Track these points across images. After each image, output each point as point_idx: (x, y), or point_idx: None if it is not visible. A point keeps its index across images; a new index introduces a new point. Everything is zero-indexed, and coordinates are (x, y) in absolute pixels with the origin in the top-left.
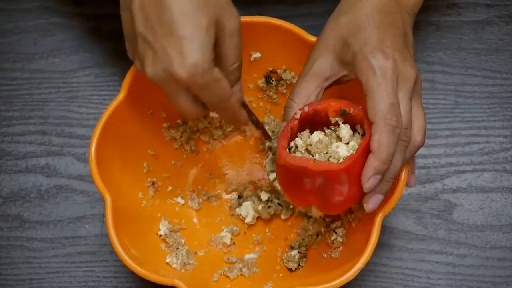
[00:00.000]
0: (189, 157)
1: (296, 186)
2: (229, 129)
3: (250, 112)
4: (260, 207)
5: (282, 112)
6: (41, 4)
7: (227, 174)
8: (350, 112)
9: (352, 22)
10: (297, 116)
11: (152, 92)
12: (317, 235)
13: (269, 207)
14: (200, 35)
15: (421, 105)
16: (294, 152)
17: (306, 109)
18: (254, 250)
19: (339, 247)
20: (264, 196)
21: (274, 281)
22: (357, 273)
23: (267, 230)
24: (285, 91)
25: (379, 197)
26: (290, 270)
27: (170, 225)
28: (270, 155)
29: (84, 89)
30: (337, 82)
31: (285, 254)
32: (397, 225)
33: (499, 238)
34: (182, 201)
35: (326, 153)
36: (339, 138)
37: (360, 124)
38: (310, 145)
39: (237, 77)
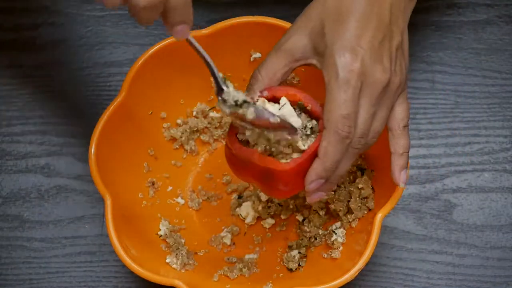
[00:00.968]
0: (189, 157)
1: (241, 168)
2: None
3: (197, 48)
4: (260, 207)
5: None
6: (41, 4)
7: (227, 174)
8: (308, 107)
9: (335, 7)
10: (255, 100)
11: (152, 92)
12: (315, 238)
13: (269, 207)
14: None
15: (389, 108)
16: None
17: (265, 93)
18: (254, 250)
19: (339, 248)
20: (264, 196)
21: (274, 281)
22: (357, 273)
23: (267, 230)
24: None
25: (322, 194)
26: (290, 270)
27: (170, 225)
28: (220, 98)
29: (84, 89)
30: (306, 65)
31: (285, 254)
32: (397, 225)
33: (499, 238)
34: (182, 201)
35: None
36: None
37: (315, 124)
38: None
39: (182, 16)
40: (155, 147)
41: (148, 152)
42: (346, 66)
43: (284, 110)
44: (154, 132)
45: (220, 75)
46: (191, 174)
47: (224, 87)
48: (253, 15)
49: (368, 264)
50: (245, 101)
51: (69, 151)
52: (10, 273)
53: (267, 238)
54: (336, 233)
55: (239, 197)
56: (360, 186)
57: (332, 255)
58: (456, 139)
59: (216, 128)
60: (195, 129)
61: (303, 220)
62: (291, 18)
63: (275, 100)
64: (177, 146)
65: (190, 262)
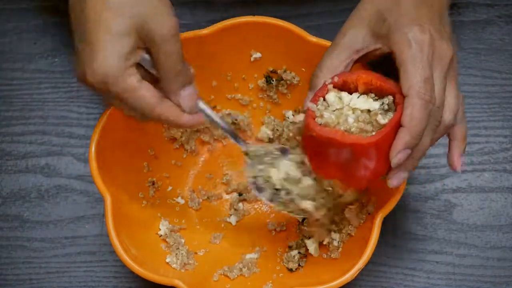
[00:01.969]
0: (189, 157)
1: (322, 157)
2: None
3: (214, 116)
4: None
5: (309, 82)
6: (41, 4)
7: (227, 174)
8: (382, 85)
9: None
10: (328, 85)
11: None
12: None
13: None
14: (109, 42)
15: (455, 85)
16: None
17: (336, 79)
18: (254, 250)
19: (338, 248)
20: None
21: (274, 281)
22: (357, 273)
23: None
24: (285, 91)
25: (404, 174)
26: (290, 270)
27: (170, 225)
28: (248, 160)
29: (84, 89)
30: (368, 56)
31: (285, 254)
32: (397, 225)
33: (499, 238)
34: (182, 201)
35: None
36: (368, 111)
37: (391, 99)
38: (338, 109)
39: (181, 82)
40: (155, 146)
41: (148, 152)
42: (417, 37)
43: (359, 100)
44: (154, 131)
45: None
46: (191, 174)
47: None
48: (253, 15)
49: (368, 264)
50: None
51: (69, 151)
52: (10, 273)
53: (267, 238)
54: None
55: (240, 194)
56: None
57: (331, 255)
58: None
59: (216, 128)
60: (196, 129)
61: (303, 220)
62: (291, 18)
63: (346, 86)
64: (177, 146)
65: (190, 262)
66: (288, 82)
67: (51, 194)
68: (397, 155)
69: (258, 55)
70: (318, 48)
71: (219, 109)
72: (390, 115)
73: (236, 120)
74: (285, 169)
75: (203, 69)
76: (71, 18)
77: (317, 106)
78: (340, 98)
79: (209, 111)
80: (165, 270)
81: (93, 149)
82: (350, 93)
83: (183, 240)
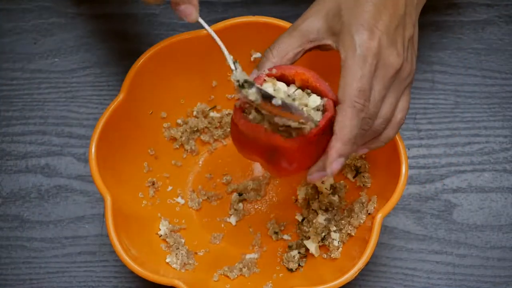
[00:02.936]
0: (189, 157)
1: (246, 145)
2: (229, 129)
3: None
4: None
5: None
6: (41, 4)
7: (227, 174)
8: (317, 86)
9: None
10: (263, 76)
11: (152, 92)
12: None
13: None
14: None
15: (398, 96)
16: (249, 107)
17: (274, 71)
18: (254, 250)
19: (338, 248)
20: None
21: (274, 281)
22: (357, 273)
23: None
24: None
25: (322, 173)
26: (290, 270)
27: (170, 225)
28: (239, 68)
29: (84, 89)
30: (319, 48)
31: (285, 254)
32: (397, 225)
33: (499, 238)
34: (182, 201)
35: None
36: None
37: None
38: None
39: None
40: (155, 147)
41: (148, 152)
42: (364, 43)
43: (297, 93)
44: (154, 132)
45: (231, 57)
46: (191, 174)
47: (233, 68)
48: (253, 15)
49: (368, 264)
50: (246, 81)
51: (69, 151)
52: (10, 273)
53: (267, 238)
54: (335, 232)
55: (240, 194)
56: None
57: (331, 255)
58: (456, 139)
59: (216, 128)
60: (195, 129)
61: (303, 220)
62: (291, 18)
63: (284, 79)
64: (177, 146)
65: (190, 262)
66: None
67: (51, 194)
68: (332, 165)
69: (258, 55)
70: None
71: (219, 109)
72: (320, 117)
73: None
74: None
75: (203, 69)
76: None
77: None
78: (275, 90)
79: (206, 26)
80: (165, 270)
81: (93, 149)
82: (288, 85)
83: (183, 240)
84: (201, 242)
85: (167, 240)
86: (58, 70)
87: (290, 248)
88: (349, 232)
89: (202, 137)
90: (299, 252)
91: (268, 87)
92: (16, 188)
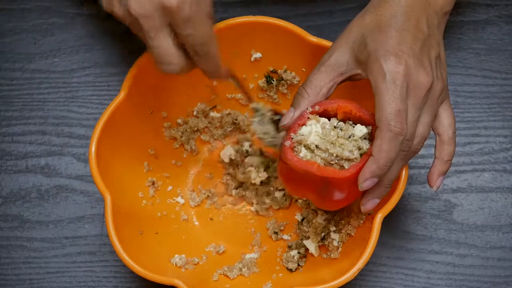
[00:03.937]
0: (189, 156)
1: (296, 183)
2: (230, 129)
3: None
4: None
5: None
6: (41, 4)
7: (227, 174)
8: (360, 115)
9: (374, 22)
10: (307, 114)
11: (152, 91)
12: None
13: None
14: None
15: (433, 113)
16: (298, 145)
17: (317, 108)
18: (254, 250)
19: (338, 248)
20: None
21: (273, 281)
22: (357, 273)
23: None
24: (285, 91)
25: (376, 200)
26: (290, 270)
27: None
28: (257, 118)
29: (84, 89)
30: (350, 79)
31: (285, 254)
32: (397, 225)
33: (499, 238)
34: (182, 201)
35: (332, 154)
36: (346, 139)
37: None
38: (317, 146)
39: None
40: (156, 146)
41: (149, 152)
42: (392, 67)
43: (340, 125)
44: (154, 131)
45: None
46: (191, 173)
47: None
48: (253, 15)
49: (368, 264)
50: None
51: (69, 151)
52: (10, 273)
53: (267, 238)
54: (334, 232)
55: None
56: None
57: (331, 255)
58: (456, 139)
59: (216, 128)
60: (196, 128)
61: (302, 220)
62: (291, 18)
63: (326, 114)
64: (178, 146)
65: (190, 261)
66: (288, 82)
67: (51, 194)
68: (364, 182)
69: (259, 55)
70: (318, 49)
71: (219, 109)
72: (368, 145)
73: (236, 120)
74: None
75: None
76: None
77: (296, 136)
78: (322, 127)
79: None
80: (165, 270)
81: (93, 148)
82: (329, 119)
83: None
84: (201, 241)
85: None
86: (58, 70)
87: (290, 248)
88: (349, 232)
89: (202, 136)
90: (298, 252)
91: (312, 124)
92: (16, 188)
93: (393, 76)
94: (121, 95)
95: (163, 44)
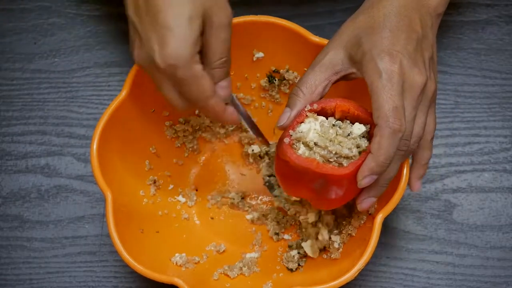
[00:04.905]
0: (190, 155)
1: (293, 181)
2: (231, 128)
3: (244, 113)
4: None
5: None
6: (41, 4)
7: (228, 173)
8: (359, 114)
9: (368, 22)
10: (305, 112)
11: (154, 90)
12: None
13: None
14: (182, 27)
15: (426, 114)
16: (296, 142)
17: (315, 106)
18: (254, 249)
19: (339, 249)
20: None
21: (274, 280)
22: (357, 273)
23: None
24: (287, 90)
25: (372, 199)
26: (290, 270)
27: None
28: (267, 160)
29: (84, 89)
30: (345, 78)
31: (285, 254)
32: (397, 225)
33: (499, 238)
34: (183, 200)
35: (331, 152)
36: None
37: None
38: (315, 143)
39: (223, 73)
40: (157, 145)
41: (150, 150)
42: (387, 66)
43: (337, 123)
44: (156, 130)
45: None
46: (192, 172)
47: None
48: (254, 14)
49: (368, 264)
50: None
51: (69, 151)
52: (10, 273)
53: (267, 237)
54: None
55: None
56: None
57: (331, 255)
58: (456, 139)
59: (218, 127)
60: (197, 127)
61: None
62: (292, 18)
63: (323, 112)
64: (179, 145)
65: (191, 260)
66: (290, 82)
67: (51, 194)
68: (363, 179)
69: (261, 54)
70: (320, 48)
71: None
72: (366, 143)
73: None
74: None
75: None
76: (128, 3)
77: (295, 133)
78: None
79: (241, 107)
80: (166, 269)
81: (95, 145)
82: (327, 118)
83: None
84: (201, 240)
85: (167, 239)
86: (58, 70)
87: (290, 248)
88: (349, 232)
89: (204, 135)
90: (298, 252)
91: (310, 122)
92: (16, 188)
93: (389, 74)
94: (123, 93)
95: (166, 93)
